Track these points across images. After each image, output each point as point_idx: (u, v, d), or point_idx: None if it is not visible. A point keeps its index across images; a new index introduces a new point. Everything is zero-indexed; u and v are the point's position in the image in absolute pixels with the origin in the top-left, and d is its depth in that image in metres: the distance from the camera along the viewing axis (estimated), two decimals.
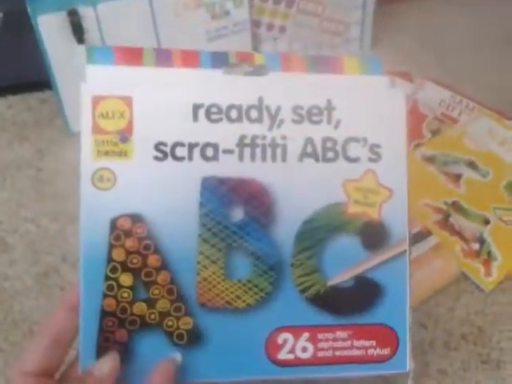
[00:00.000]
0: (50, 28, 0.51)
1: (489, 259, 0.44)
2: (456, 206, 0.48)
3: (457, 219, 0.47)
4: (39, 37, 0.51)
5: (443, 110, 0.57)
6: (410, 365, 0.30)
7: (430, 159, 0.52)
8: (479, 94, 0.58)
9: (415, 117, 0.57)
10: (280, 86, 0.28)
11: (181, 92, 0.27)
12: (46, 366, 0.26)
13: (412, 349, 0.30)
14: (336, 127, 0.29)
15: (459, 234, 0.46)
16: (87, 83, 0.27)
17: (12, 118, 0.57)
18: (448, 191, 0.49)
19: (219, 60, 0.28)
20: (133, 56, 0.28)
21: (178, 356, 0.27)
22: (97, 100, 0.27)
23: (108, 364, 0.26)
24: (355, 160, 0.29)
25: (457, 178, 0.50)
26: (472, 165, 0.51)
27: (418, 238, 0.44)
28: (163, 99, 0.27)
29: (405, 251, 0.29)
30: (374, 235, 0.29)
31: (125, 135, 0.27)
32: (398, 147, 0.29)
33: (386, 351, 0.29)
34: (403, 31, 0.70)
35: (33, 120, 0.57)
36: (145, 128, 0.27)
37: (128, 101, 0.27)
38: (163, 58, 0.28)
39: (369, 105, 0.29)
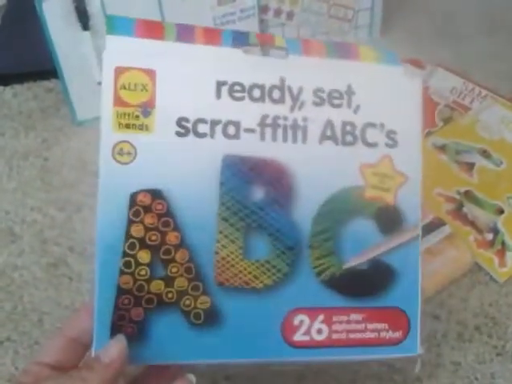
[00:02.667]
0: (55, 14, 0.50)
1: (503, 249, 0.44)
2: (469, 196, 0.47)
3: (470, 209, 0.46)
4: (44, 24, 0.50)
5: (455, 98, 0.56)
6: (420, 349, 0.30)
7: (442, 148, 0.51)
8: (491, 82, 0.57)
9: (426, 104, 0.55)
10: (301, 69, 0.29)
11: (204, 68, 0.27)
12: (61, 361, 0.26)
13: (423, 337, 0.30)
14: (355, 112, 0.29)
15: (472, 223, 0.45)
16: (109, 53, 0.26)
17: (18, 106, 0.56)
18: (460, 180, 0.48)
19: (240, 40, 0.28)
20: (154, 29, 0.27)
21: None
22: (120, 71, 0.26)
23: (115, 348, 0.25)
24: (373, 145, 0.29)
25: (469, 166, 0.49)
26: (485, 153, 0.50)
27: (430, 228, 0.43)
28: (187, 74, 0.27)
29: (417, 236, 0.30)
30: (389, 219, 0.29)
31: (147, 109, 0.26)
32: (413, 135, 0.30)
33: (398, 334, 0.29)
34: (414, 17, 0.68)
35: (39, 109, 0.56)
36: (167, 102, 0.27)
37: (151, 74, 0.27)
38: (185, 33, 0.28)
39: (386, 92, 0.30)
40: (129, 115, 0.26)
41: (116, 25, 0.27)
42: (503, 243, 0.44)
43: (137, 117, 0.26)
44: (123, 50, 0.26)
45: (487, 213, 0.46)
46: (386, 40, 0.65)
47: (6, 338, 0.39)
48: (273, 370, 0.34)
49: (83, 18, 0.51)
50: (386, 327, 0.29)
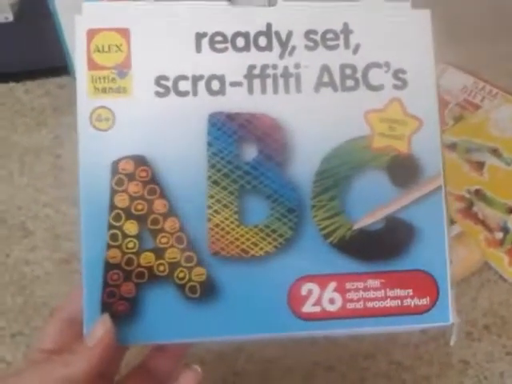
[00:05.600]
0: (68, 12, 0.50)
1: None
2: (479, 195, 0.46)
3: (480, 208, 0.46)
4: (57, 21, 0.50)
5: (465, 96, 0.56)
6: (453, 317, 0.26)
7: (452, 146, 0.51)
8: (502, 80, 0.56)
9: None
10: (290, 12, 0.26)
11: (182, 21, 0.26)
12: (59, 344, 0.26)
13: (455, 301, 0.26)
14: (355, 52, 0.26)
15: (483, 222, 0.45)
16: (82, 17, 0.26)
17: (30, 103, 0.56)
18: (471, 179, 0.48)
19: None
20: None
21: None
22: (92, 33, 0.25)
23: (99, 329, 0.24)
24: (378, 88, 0.26)
25: (480, 165, 0.49)
26: (496, 152, 0.50)
27: None
28: (163, 29, 0.26)
29: (440, 187, 0.26)
30: (403, 170, 0.26)
31: (123, 70, 0.25)
32: (425, 72, 0.27)
33: (425, 301, 0.26)
34: None
35: (51, 106, 0.56)
36: (144, 61, 0.25)
37: (125, 32, 0.25)
38: None
39: (391, 28, 0.27)
40: (104, 78, 0.25)
41: None
42: None
43: (113, 80, 0.25)
44: (96, 13, 0.25)
45: (497, 212, 0.45)
46: None
47: (17, 332, 0.40)
48: None
49: None
50: (410, 294, 0.26)
